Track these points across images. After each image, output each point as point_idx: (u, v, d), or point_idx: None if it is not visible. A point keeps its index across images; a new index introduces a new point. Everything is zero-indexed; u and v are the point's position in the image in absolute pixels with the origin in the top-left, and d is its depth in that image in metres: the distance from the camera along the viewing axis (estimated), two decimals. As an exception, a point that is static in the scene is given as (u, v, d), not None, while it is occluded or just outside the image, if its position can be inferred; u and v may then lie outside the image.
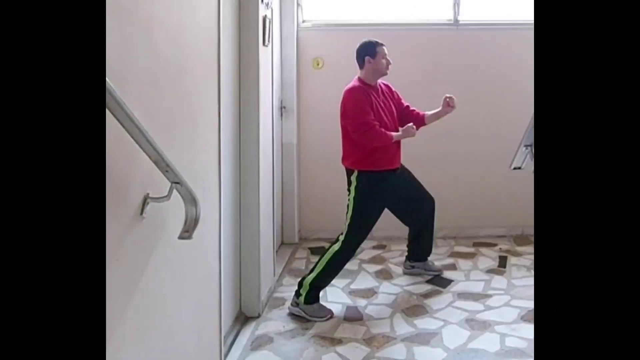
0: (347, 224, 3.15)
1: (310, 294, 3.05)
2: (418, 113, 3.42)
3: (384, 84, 3.36)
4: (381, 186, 3.21)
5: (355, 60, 3.27)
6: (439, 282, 3.50)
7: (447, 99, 3.32)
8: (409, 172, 3.44)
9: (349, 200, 3.20)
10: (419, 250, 3.64)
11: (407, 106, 3.43)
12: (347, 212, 3.18)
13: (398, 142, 3.26)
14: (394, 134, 3.17)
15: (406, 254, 3.71)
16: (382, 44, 3.26)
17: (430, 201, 3.51)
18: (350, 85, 3.23)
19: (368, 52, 3.22)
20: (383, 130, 3.13)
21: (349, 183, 3.23)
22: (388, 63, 3.26)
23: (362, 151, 3.16)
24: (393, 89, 3.40)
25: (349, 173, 3.24)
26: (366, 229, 3.22)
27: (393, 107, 3.32)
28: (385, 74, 3.27)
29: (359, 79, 3.24)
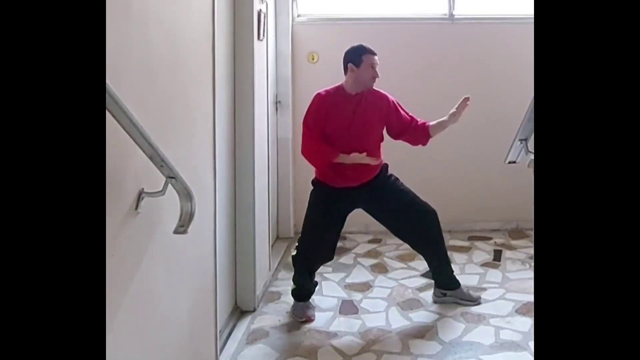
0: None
1: (294, 290, 3.06)
2: (422, 125, 3.01)
3: (378, 95, 2.98)
4: (328, 199, 2.96)
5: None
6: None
7: (464, 101, 2.92)
8: (395, 184, 3.05)
9: None
10: (442, 278, 3.15)
11: (411, 119, 3.02)
12: None
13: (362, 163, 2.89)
14: (342, 155, 2.84)
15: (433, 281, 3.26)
16: (372, 53, 2.89)
17: (428, 213, 3.03)
18: (325, 89, 2.97)
19: (353, 59, 2.88)
20: (323, 149, 2.87)
21: None
22: (374, 76, 2.88)
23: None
24: (390, 100, 2.99)
25: None
26: (314, 236, 2.98)
27: (375, 121, 2.96)
28: (368, 87, 2.91)
29: (340, 85, 2.96)
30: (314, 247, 3.00)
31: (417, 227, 3.06)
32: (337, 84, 2.99)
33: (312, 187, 3.06)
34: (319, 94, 2.95)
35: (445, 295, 3.14)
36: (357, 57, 2.88)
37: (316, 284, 3.13)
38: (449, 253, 3.87)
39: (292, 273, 3.09)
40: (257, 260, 3.07)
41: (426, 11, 4.42)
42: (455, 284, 3.14)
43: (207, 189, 2.20)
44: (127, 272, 1.50)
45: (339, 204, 2.98)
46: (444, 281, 3.15)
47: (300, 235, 3.08)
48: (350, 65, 2.89)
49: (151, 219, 1.63)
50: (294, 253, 3.07)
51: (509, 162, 2.23)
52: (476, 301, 3.12)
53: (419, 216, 3.03)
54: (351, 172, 2.91)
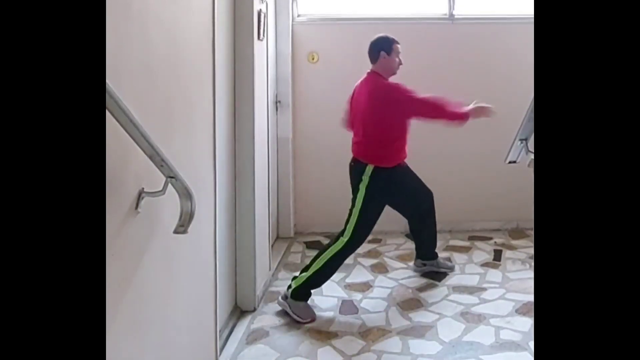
0: (353, 222, 3.03)
1: (300, 288, 3.01)
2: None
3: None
4: (393, 181, 3.14)
5: (367, 54, 3.16)
6: (434, 275, 3.52)
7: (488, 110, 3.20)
8: (407, 164, 3.35)
9: (357, 196, 3.08)
10: (425, 248, 3.56)
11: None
12: (352, 209, 3.07)
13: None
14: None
15: (415, 252, 3.64)
16: (397, 42, 3.16)
17: (429, 194, 3.42)
18: (371, 82, 3.12)
19: (384, 47, 3.12)
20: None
21: (358, 180, 3.09)
22: (400, 63, 3.16)
23: (383, 146, 3.10)
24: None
25: (360, 168, 3.10)
26: (370, 227, 3.12)
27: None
28: (395, 73, 3.18)
29: (377, 73, 3.14)
30: (363, 241, 3.14)
31: (417, 202, 3.42)
32: (372, 76, 3.15)
33: (367, 179, 3.07)
34: (395, 83, 3.13)
35: (425, 265, 3.56)
36: (388, 45, 3.13)
37: None
38: (449, 253, 3.90)
39: (292, 273, 3.07)
40: (257, 260, 3.06)
41: (426, 11, 4.41)
42: (435, 256, 3.57)
43: (207, 189, 2.20)
44: (127, 272, 1.50)
45: (397, 184, 3.19)
46: (425, 253, 3.55)
47: (353, 232, 3.03)
48: (382, 52, 3.13)
49: (151, 218, 1.63)
50: (340, 248, 3.02)
51: (509, 162, 2.23)
52: (451, 269, 3.57)
53: (420, 195, 3.40)
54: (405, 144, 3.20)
